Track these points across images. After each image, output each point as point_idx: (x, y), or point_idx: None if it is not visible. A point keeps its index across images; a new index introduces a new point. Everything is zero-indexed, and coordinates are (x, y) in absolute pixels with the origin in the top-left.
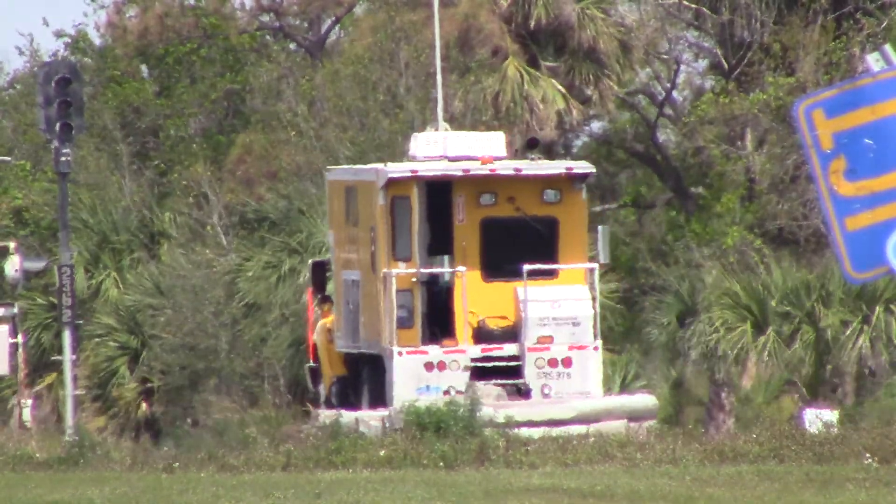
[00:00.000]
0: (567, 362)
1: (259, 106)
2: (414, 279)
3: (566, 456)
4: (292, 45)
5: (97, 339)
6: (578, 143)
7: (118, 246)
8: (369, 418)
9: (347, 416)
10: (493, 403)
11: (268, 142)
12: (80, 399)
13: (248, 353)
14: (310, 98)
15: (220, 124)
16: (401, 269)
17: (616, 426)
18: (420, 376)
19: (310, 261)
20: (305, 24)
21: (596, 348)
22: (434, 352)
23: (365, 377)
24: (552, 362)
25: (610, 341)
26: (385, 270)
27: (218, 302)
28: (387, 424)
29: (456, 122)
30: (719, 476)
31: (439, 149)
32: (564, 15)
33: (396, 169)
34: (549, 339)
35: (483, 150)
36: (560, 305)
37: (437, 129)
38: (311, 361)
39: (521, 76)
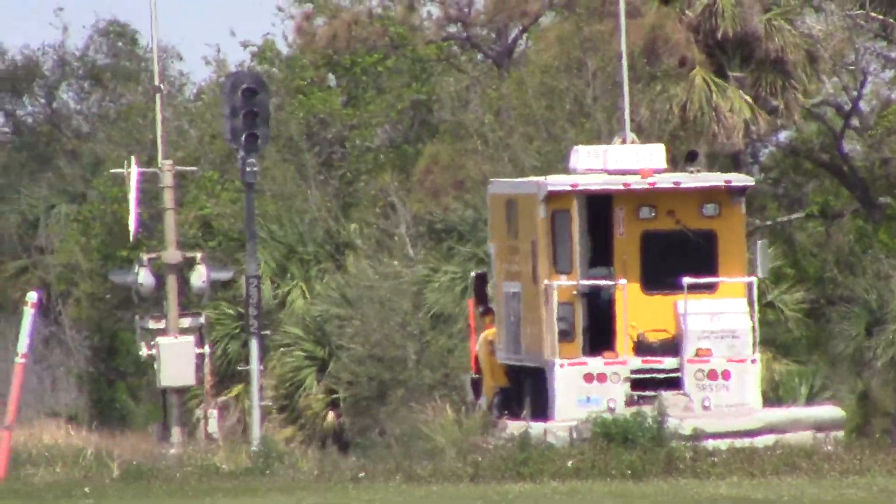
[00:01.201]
0: (726, 375)
1: (446, 116)
2: (575, 291)
3: (753, 467)
4: (479, 56)
5: (283, 350)
6: (765, 153)
7: (305, 256)
8: (557, 429)
9: (535, 427)
10: (680, 414)
11: (454, 151)
12: (266, 409)
13: (435, 364)
14: (496, 108)
15: (406, 134)
16: (562, 281)
17: (802, 437)
18: (581, 388)
19: (472, 273)
20: (492, 35)
21: (754, 361)
22: (595, 364)
23: (526, 389)
24: (711, 375)
25: (796, 352)
26: (546, 282)
27: (405, 313)
28: (574, 435)
29: (643, 131)
30: None
31: (599, 162)
32: (751, 26)
33: (557, 182)
34: (709, 351)
35: (643, 164)
36: (719, 319)
37: (623, 139)
38: (474, 373)
39: (709, 86)
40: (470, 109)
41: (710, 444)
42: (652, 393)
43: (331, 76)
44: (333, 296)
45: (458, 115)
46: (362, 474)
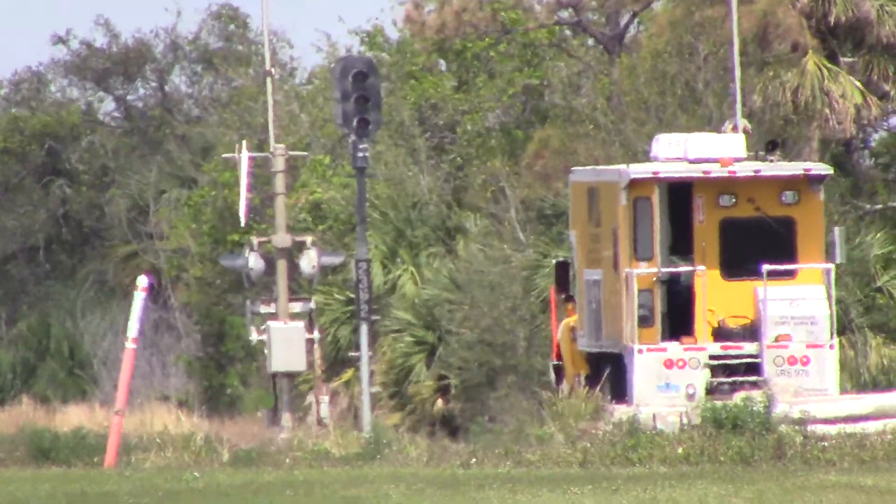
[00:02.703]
0: (805, 360)
1: (557, 101)
2: (654, 278)
3: (863, 453)
4: (590, 40)
5: (394, 335)
6: (875, 138)
7: (415, 241)
8: (667, 414)
9: (644, 412)
10: (789, 399)
11: (565, 136)
12: (376, 395)
13: (545, 349)
14: (608, 93)
15: (517, 119)
16: (642, 268)
17: None
18: (660, 374)
19: (553, 260)
20: (603, 19)
21: (832, 347)
22: (674, 349)
23: (606, 375)
24: (790, 360)
25: None
26: (627, 270)
27: (515, 298)
28: (684, 421)
29: (754, 116)
30: None
31: (680, 150)
32: (863, 11)
33: (638, 170)
34: (787, 337)
35: (723, 152)
36: (798, 305)
37: (734, 125)
38: (555, 360)
39: (821, 71)
40: (581, 94)
41: (820, 428)
42: (731, 379)
43: (442, 61)
44: (443, 280)
45: (570, 99)
46: (472, 460)
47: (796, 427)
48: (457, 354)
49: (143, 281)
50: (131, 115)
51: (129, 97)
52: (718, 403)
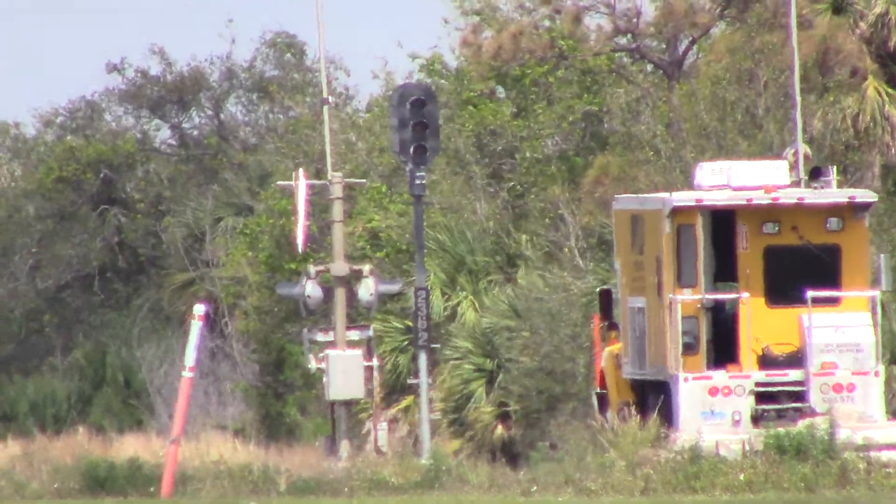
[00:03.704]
0: (851, 388)
1: (617, 127)
2: (699, 305)
3: None
4: (649, 66)
5: (453, 363)
6: None
7: (474, 268)
8: (729, 442)
9: (707, 439)
10: (853, 425)
11: (625, 163)
12: (435, 422)
13: None
14: (667, 119)
15: (577, 146)
16: (686, 295)
17: None
18: (705, 401)
19: (597, 288)
20: (662, 45)
21: (877, 374)
22: (719, 377)
23: (651, 403)
24: (836, 387)
25: None
26: (670, 297)
27: (575, 325)
28: (747, 448)
29: (815, 142)
30: None
31: (723, 178)
32: None
33: (681, 198)
34: (833, 364)
35: (766, 179)
36: (843, 332)
37: (795, 151)
38: (599, 388)
39: (881, 96)
40: (641, 121)
41: (885, 455)
42: (777, 406)
43: (500, 88)
44: (503, 308)
45: (629, 126)
46: (534, 487)
47: (860, 453)
48: (517, 382)
49: (199, 309)
50: (186, 144)
51: (184, 125)
52: (781, 430)
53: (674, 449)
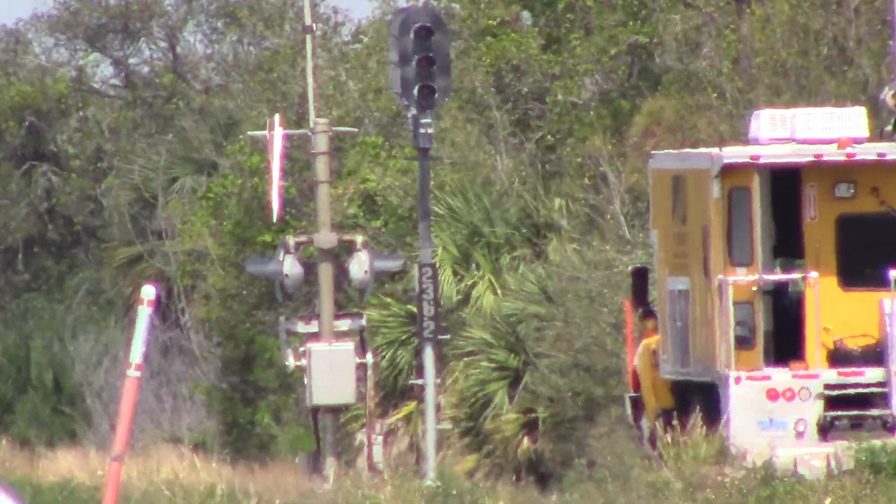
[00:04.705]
0: None
1: (671, 63)
2: (755, 288)
3: None
4: None
5: (467, 359)
6: None
7: (494, 241)
8: (810, 457)
9: (783, 455)
10: None
11: (682, 108)
12: (444, 434)
13: None
14: (735, 53)
15: (622, 87)
16: (739, 276)
17: None
18: (762, 408)
19: (630, 267)
20: None
21: None
22: (780, 377)
23: (695, 409)
24: None
25: None
26: (720, 278)
27: (620, 311)
28: (832, 465)
29: None
30: None
31: (786, 130)
32: None
33: (734, 154)
34: None
35: (840, 131)
36: None
37: (895, 92)
38: (632, 390)
39: None
40: (702, 55)
41: None
42: (851, 413)
43: (526, 13)
44: (530, 290)
45: (687, 62)
46: None
47: None
48: (547, 382)
49: (148, 292)
50: (133, 84)
51: (131, 60)
52: (878, 442)
53: (742, 466)
